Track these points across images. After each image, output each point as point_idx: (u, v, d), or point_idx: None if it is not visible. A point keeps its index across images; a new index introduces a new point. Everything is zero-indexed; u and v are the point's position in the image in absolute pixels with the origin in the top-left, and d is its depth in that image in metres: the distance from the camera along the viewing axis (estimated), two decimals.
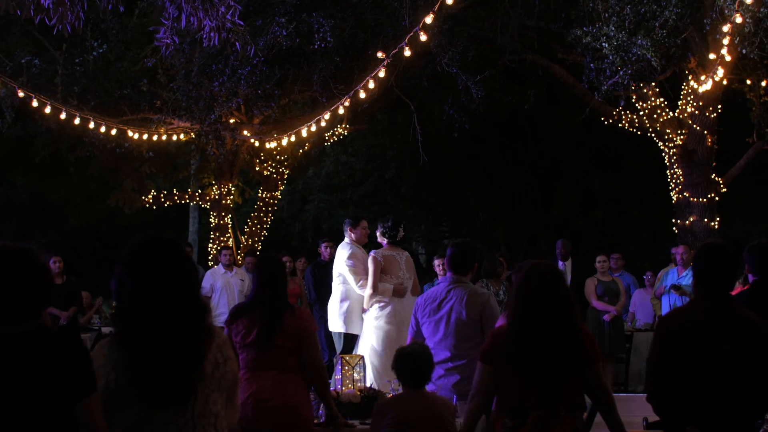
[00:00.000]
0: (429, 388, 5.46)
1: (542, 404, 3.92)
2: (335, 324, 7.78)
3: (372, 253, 7.37)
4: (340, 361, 6.08)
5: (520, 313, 4.03)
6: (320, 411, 5.31)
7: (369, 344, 7.19)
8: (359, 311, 7.56)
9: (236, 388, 3.27)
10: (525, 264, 4.22)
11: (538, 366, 3.92)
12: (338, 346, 7.85)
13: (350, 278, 7.64)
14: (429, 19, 8.15)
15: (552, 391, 3.93)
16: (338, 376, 6.02)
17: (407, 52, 8.78)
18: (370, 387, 6.02)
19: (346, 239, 7.94)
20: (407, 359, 4.77)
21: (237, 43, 7.55)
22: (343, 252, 7.80)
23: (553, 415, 3.91)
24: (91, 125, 11.71)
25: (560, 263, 10.95)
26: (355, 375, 5.99)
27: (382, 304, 7.25)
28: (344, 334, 7.76)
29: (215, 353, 3.13)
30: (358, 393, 5.80)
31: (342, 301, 7.78)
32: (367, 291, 7.32)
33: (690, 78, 12.79)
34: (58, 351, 2.91)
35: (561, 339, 3.94)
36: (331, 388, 5.82)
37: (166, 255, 3.13)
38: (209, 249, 15.34)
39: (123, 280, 3.08)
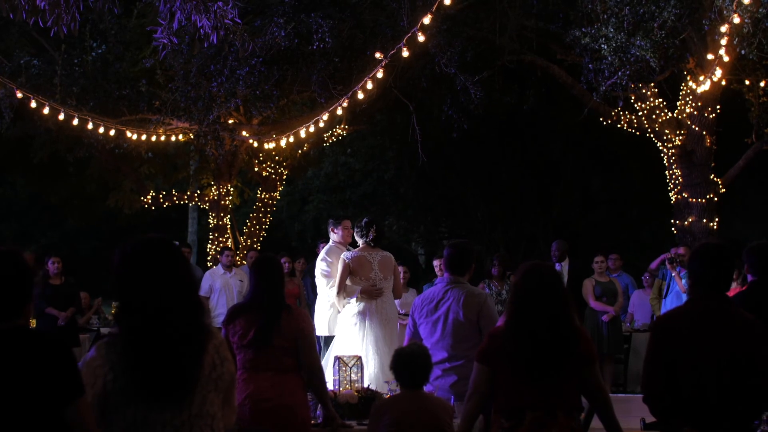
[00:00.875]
0: (426, 388, 5.46)
1: (539, 405, 3.92)
2: (320, 327, 7.71)
3: (342, 255, 7.32)
4: (337, 362, 6.08)
5: (518, 314, 4.04)
6: (318, 412, 5.31)
7: (342, 345, 7.15)
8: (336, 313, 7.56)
9: (233, 390, 3.27)
10: (524, 265, 4.22)
11: (535, 366, 3.92)
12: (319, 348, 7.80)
13: (321, 282, 7.64)
14: (427, 20, 8.15)
15: (549, 392, 3.93)
16: (336, 377, 6.02)
17: (405, 53, 8.78)
18: (368, 388, 6.02)
19: (331, 240, 7.93)
20: (406, 359, 4.76)
21: (236, 42, 7.56)
22: (321, 255, 7.82)
23: (550, 416, 3.91)
24: (90, 126, 11.71)
25: (556, 265, 10.92)
26: (352, 376, 5.99)
27: (351, 305, 7.19)
28: (325, 336, 7.73)
29: (212, 354, 3.12)
30: (356, 394, 5.79)
31: (325, 303, 7.79)
32: (332, 293, 7.30)
33: (689, 78, 12.80)
34: (41, 354, 2.89)
35: (558, 340, 3.94)
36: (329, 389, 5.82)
37: (164, 257, 3.13)
38: (208, 250, 15.34)
39: (123, 282, 3.09)
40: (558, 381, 3.95)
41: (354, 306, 7.16)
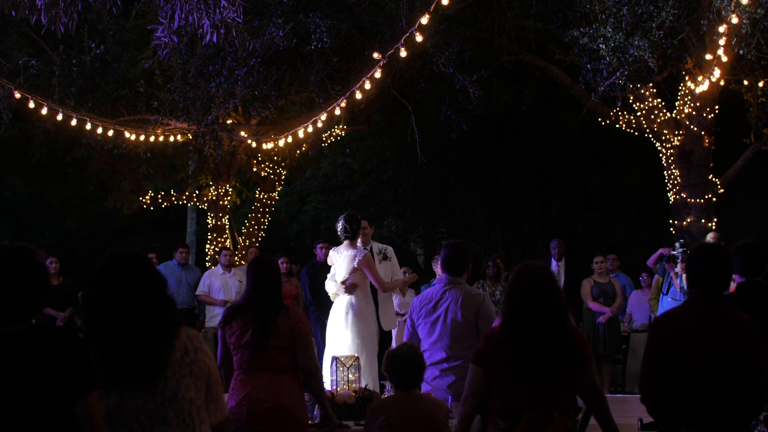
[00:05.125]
0: (425, 388, 5.47)
1: (535, 406, 3.92)
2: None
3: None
4: (335, 363, 6.08)
5: (512, 314, 4.03)
6: (315, 412, 5.31)
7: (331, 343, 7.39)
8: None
9: (217, 386, 3.30)
10: (518, 265, 4.22)
11: (530, 367, 3.92)
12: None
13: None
14: (425, 20, 8.16)
15: (545, 393, 3.93)
16: (333, 377, 6.02)
17: (403, 53, 8.79)
18: (365, 388, 6.03)
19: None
20: (399, 361, 4.75)
21: (236, 41, 7.57)
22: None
23: (546, 416, 3.91)
24: (88, 126, 11.71)
25: (554, 263, 10.96)
26: (350, 376, 5.99)
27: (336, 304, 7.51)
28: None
29: (184, 340, 3.20)
30: (353, 394, 5.80)
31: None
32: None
33: (687, 79, 12.79)
34: (55, 350, 2.92)
35: (553, 340, 3.94)
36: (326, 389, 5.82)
37: (127, 261, 3.27)
38: (206, 250, 15.33)
39: (94, 285, 3.22)
40: (553, 382, 3.94)
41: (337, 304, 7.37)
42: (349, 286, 7.26)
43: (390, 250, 7.95)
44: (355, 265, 7.21)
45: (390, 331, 8.39)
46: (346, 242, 7.35)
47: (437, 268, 10.35)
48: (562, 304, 4.03)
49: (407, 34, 8.41)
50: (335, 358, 6.14)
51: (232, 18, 6.98)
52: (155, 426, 3.09)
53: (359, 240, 7.62)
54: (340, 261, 7.34)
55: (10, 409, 2.85)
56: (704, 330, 3.97)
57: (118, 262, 3.25)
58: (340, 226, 7.35)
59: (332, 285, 7.41)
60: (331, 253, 7.49)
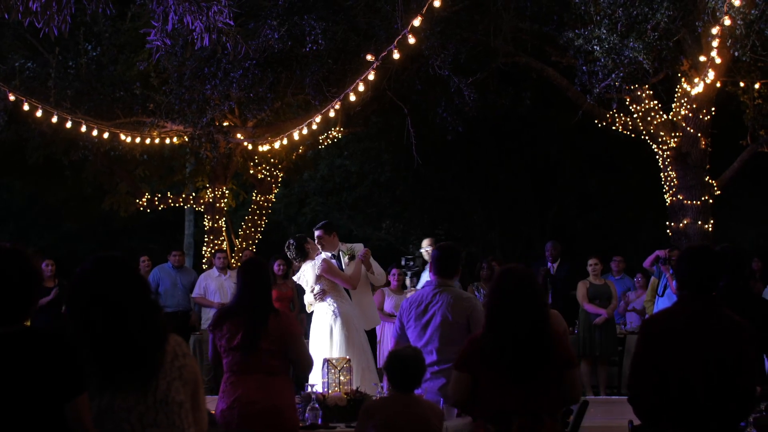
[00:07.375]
0: (415, 391, 5.46)
1: (525, 409, 3.91)
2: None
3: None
4: (326, 365, 6.08)
5: (495, 316, 4.04)
6: (306, 414, 5.31)
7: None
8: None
9: (201, 392, 3.33)
10: (500, 268, 4.23)
11: (517, 368, 3.92)
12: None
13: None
14: (417, 22, 8.17)
15: (534, 396, 3.93)
16: (324, 379, 6.02)
17: (396, 55, 8.79)
18: (357, 390, 6.02)
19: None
20: (401, 362, 4.74)
21: (228, 44, 7.58)
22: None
23: (537, 420, 3.90)
24: (83, 129, 11.70)
25: (550, 265, 10.97)
26: (341, 378, 5.99)
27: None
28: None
29: (173, 345, 3.23)
30: (345, 396, 5.79)
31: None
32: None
33: (683, 80, 12.78)
34: (46, 352, 2.94)
35: (537, 342, 3.94)
36: (318, 392, 5.82)
37: (114, 264, 3.27)
38: (203, 252, 15.32)
39: (80, 289, 3.21)
40: (541, 384, 3.95)
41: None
42: (320, 293, 7.34)
43: (358, 247, 7.93)
44: (317, 273, 7.34)
45: (374, 330, 8.44)
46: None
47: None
48: (542, 305, 4.04)
49: (399, 36, 8.42)
50: (326, 360, 6.14)
51: (224, 22, 6.99)
52: (146, 428, 3.10)
53: (320, 250, 7.70)
54: (305, 275, 7.48)
55: (1, 409, 2.87)
56: (696, 331, 3.97)
57: (106, 265, 3.25)
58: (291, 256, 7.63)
59: (308, 296, 7.53)
60: (298, 273, 7.68)
